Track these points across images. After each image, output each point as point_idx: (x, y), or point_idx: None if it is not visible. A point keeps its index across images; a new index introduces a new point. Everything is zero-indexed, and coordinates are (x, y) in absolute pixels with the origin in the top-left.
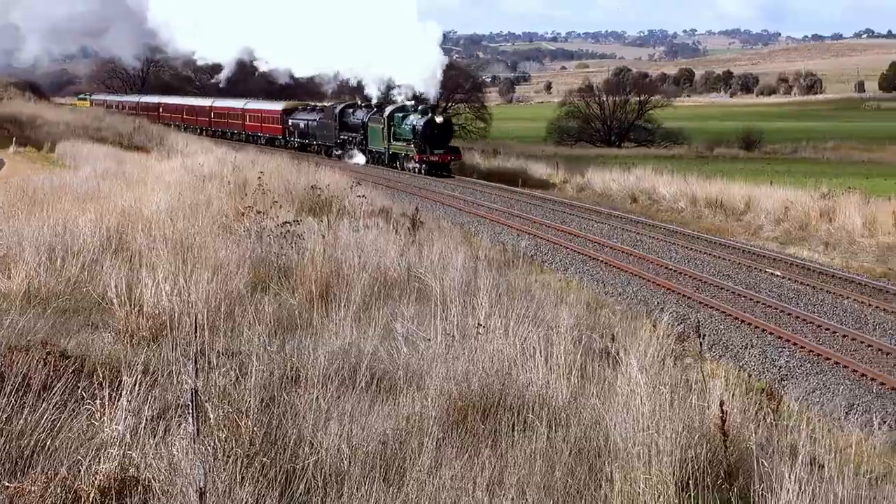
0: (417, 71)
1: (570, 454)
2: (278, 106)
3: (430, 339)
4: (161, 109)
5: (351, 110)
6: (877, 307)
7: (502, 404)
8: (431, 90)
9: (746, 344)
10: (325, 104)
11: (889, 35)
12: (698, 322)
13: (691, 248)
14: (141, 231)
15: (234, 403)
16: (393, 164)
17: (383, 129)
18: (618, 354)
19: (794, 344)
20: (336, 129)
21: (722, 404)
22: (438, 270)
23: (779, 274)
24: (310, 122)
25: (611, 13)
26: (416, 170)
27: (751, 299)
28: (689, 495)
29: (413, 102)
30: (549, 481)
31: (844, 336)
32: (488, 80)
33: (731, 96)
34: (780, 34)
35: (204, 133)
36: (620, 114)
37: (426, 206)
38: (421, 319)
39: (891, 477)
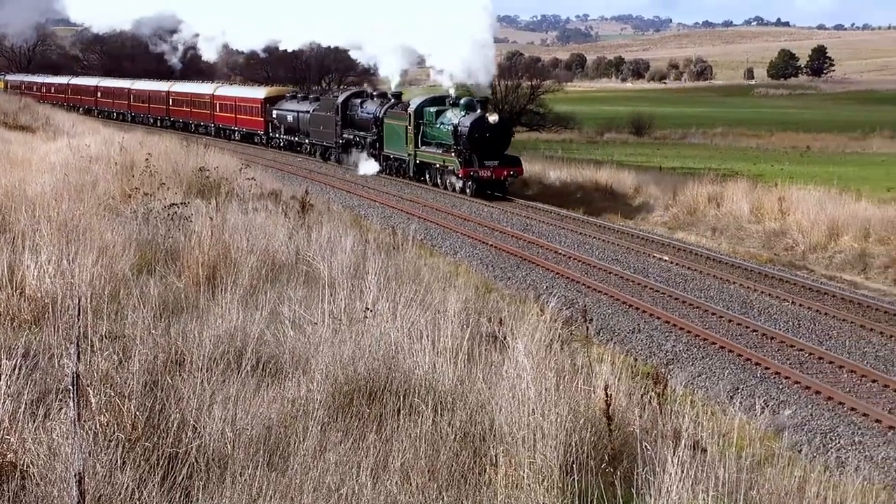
0: (463, 51)
1: (455, 438)
2: (259, 93)
3: (316, 323)
4: (99, 94)
5: (359, 101)
6: (762, 292)
7: (388, 388)
8: (482, 78)
9: (634, 328)
10: (321, 92)
11: (778, 23)
12: (585, 306)
13: (581, 233)
14: (24, 212)
15: (116, 387)
16: (420, 177)
17: (408, 128)
18: (505, 339)
19: (681, 329)
20: (337, 124)
21: (606, 388)
22: (327, 254)
23: (667, 259)
24: (301, 115)
25: None
26: (460, 188)
27: (639, 284)
28: (573, 479)
29: (452, 94)
30: (434, 465)
31: (730, 321)
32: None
33: (622, 82)
34: (671, 21)
35: (160, 124)
36: (512, 98)
37: (316, 188)
38: (308, 303)
39: (772, 460)
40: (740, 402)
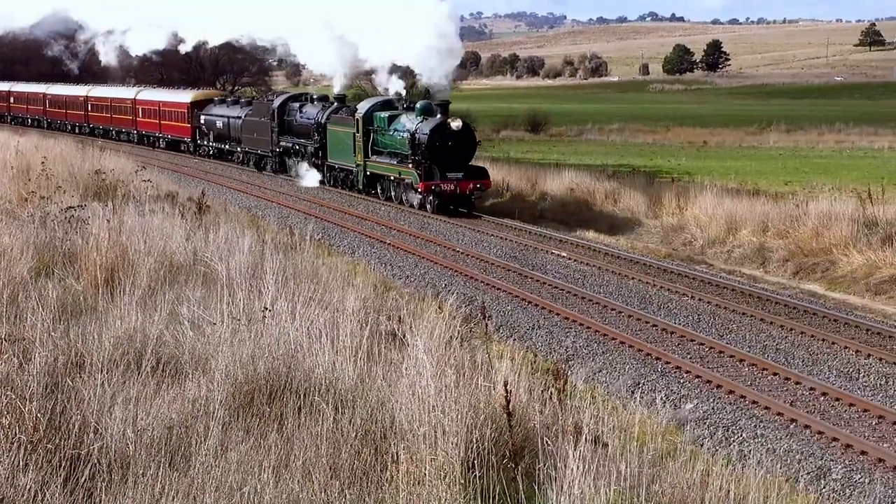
0: (419, 42)
1: (356, 436)
2: (185, 96)
3: (216, 323)
4: (11, 99)
5: (297, 105)
6: (661, 287)
7: (289, 387)
8: (440, 77)
9: (534, 325)
10: (253, 95)
11: (672, 18)
12: (484, 304)
13: (479, 231)
14: None
15: (17, 390)
16: (371, 189)
17: (356, 135)
18: (404, 336)
19: (581, 324)
20: (273, 131)
21: (506, 385)
22: (225, 254)
23: (565, 255)
24: (232, 121)
25: None
26: (418, 204)
27: (538, 280)
28: (475, 475)
29: (401, 96)
30: (336, 463)
31: (630, 316)
32: (275, 63)
33: (517, 79)
34: (565, 17)
35: (78, 131)
36: (407, 96)
37: (213, 190)
38: (207, 303)
39: (674, 454)
40: (641, 397)
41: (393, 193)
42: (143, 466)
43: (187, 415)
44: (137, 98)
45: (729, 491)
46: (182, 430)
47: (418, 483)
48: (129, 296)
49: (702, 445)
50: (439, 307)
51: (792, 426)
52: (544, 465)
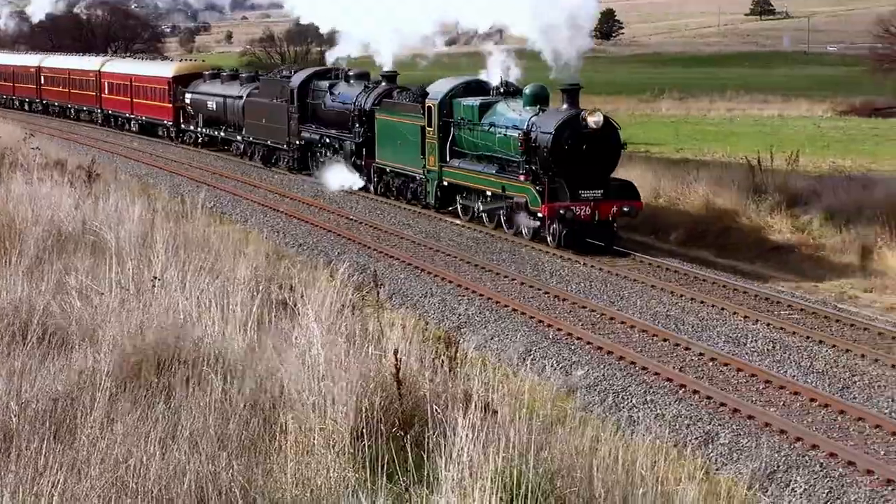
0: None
1: (245, 406)
2: (165, 69)
3: (104, 294)
4: None
5: (325, 84)
6: (553, 255)
7: (177, 357)
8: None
9: (426, 293)
10: (257, 70)
11: None
12: (375, 271)
13: (373, 199)
14: None
15: None
16: (446, 206)
17: (426, 129)
18: (296, 305)
19: (474, 292)
20: (292, 117)
21: (396, 353)
22: (114, 223)
23: (459, 222)
24: (229, 101)
25: None
26: (531, 232)
27: (431, 248)
28: (364, 444)
29: (500, 79)
30: (224, 433)
31: (522, 283)
32: (168, 29)
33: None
34: None
35: (29, 108)
36: (302, 64)
37: (103, 157)
38: (96, 273)
39: (564, 421)
40: (532, 364)
41: (485, 215)
42: (27, 440)
43: (73, 386)
44: (103, 70)
45: (618, 456)
46: (68, 403)
47: (307, 453)
48: (14, 266)
49: (592, 412)
50: (331, 275)
51: (681, 392)
52: (434, 433)
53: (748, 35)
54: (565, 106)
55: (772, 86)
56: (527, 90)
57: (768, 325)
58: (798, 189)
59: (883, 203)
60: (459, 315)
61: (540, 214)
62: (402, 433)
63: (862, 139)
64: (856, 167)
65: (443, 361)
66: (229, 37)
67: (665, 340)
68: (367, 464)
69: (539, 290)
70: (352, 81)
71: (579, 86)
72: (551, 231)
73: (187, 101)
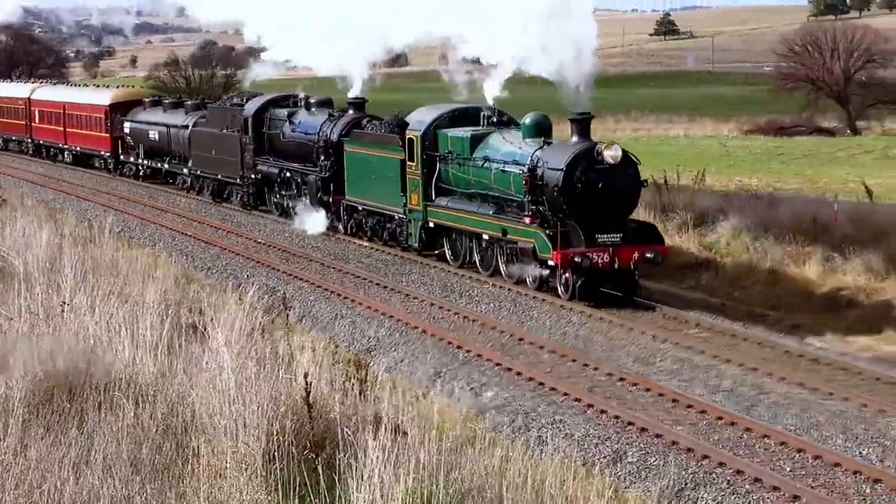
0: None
1: (157, 430)
2: (102, 96)
3: (13, 319)
4: None
5: (284, 112)
6: (462, 276)
7: (89, 383)
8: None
9: (336, 315)
10: (202, 97)
11: None
12: (285, 294)
13: (279, 223)
14: None
15: None
16: (431, 249)
17: (406, 164)
18: (206, 329)
19: (384, 314)
20: (246, 149)
21: (306, 376)
22: (22, 248)
23: (367, 245)
24: (173, 131)
25: None
26: (537, 281)
27: (340, 270)
28: (276, 467)
29: (489, 105)
30: (137, 458)
31: (432, 304)
32: (72, 54)
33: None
34: None
35: None
36: (207, 87)
37: (8, 182)
38: (4, 298)
39: (473, 441)
40: (442, 386)
41: (478, 258)
42: None
43: None
44: (33, 97)
45: (527, 476)
46: None
47: (219, 476)
48: None
49: (501, 432)
50: (240, 298)
51: (589, 411)
52: (345, 456)
53: (652, 55)
54: (575, 138)
55: (677, 106)
56: (527, 120)
57: (676, 344)
58: (705, 207)
59: (788, 222)
60: (369, 337)
61: (551, 262)
62: (314, 455)
63: (767, 158)
64: (762, 186)
65: (353, 384)
66: (134, 61)
67: (574, 361)
68: (280, 487)
69: (449, 310)
70: (313, 109)
71: (591, 115)
72: (563, 281)
73: (126, 130)
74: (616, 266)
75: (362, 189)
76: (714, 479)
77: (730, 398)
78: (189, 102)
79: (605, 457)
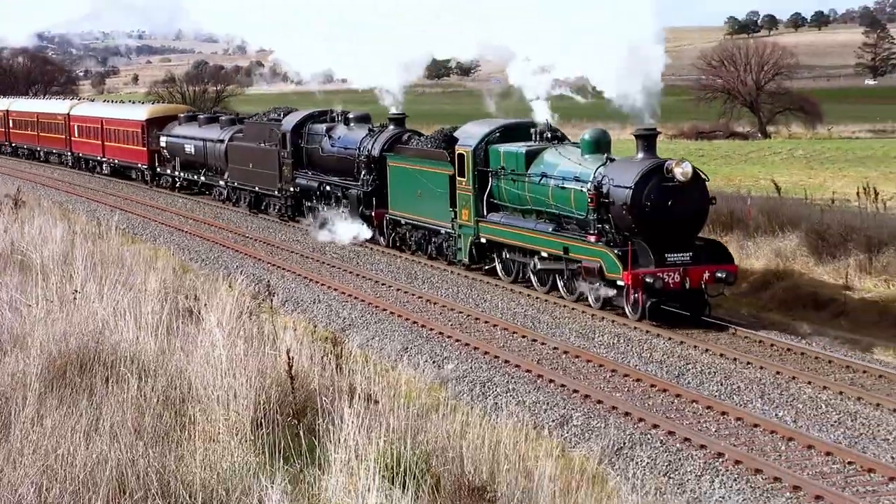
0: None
1: (158, 401)
2: (139, 112)
3: (31, 305)
4: None
5: (322, 127)
6: (424, 265)
7: (98, 360)
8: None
9: (315, 299)
10: (236, 112)
11: None
12: (269, 282)
13: (267, 219)
14: None
15: None
16: (479, 263)
17: (455, 180)
18: (200, 313)
19: (356, 298)
20: (284, 163)
21: (288, 352)
22: (39, 244)
23: (410, 257)
24: (210, 145)
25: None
26: (600, 300)
27: (318, 261)
28: (263, 432)
29: (547, 120)
30: (140, 425)
31: (398, 290)
32: (81, 74)
33: (297, 84)
34: None
35: None
36: (200, 102)
37: (28, 186)
38: (24, 288)
39: (437, 408)
40: (409, 360)
41: (533, 277)
42: None
43: (7, 387)
44: (72, 114)
45: (485, 438)
46: (2, 402)
47: (213, 440)
48: None
49: (461, 400)
50: (230, 286)
51: (539, 381)
52: (324, 421)
53: None
54: (640, 154)
55: (611, 114)
56: (586, 136)
57: (612, 321)
58: None
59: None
60: (344, 318)
61: (620, 282)
62: (296, 422)
63: (690, 159)
64: None
65: (330, 359)
66: (136, 79)
67: (524, 337)
68: (266, 449)
69: (413, 295)
70: (352, 125)
71: (657, 131)
72: (631, 301)
73: (163, 143)
74: (687, 286)
75: (407, 203)
76: (649, 439)
77: (661, 368)
78: (224, 118)
79: (553, 420)
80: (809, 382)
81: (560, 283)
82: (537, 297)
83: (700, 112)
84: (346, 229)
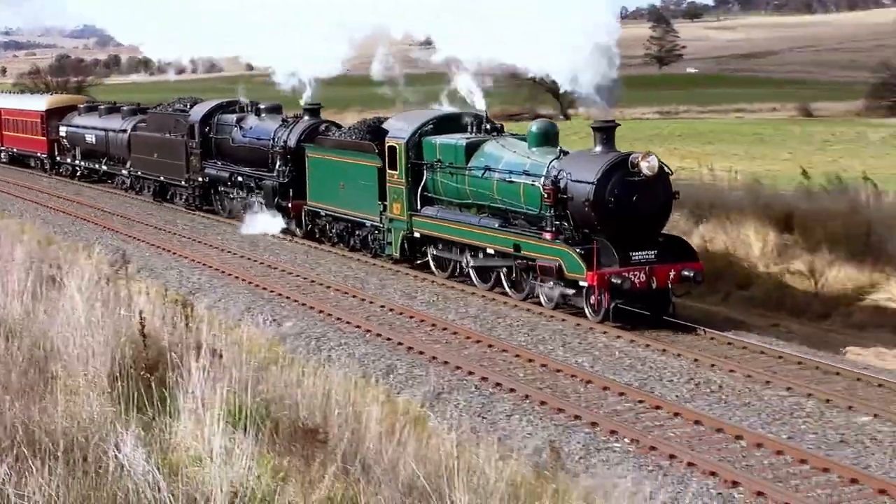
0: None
1: (23, 360)
2: (38, 103)
3: None
4: None
5: (232, 118)
6: (273, 235)
7: None
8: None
9: (167, 266)
10: (138, 104)
11: None
12: (125, 252)
13: (122, 196)
14: None
15: None
16: (412, 257)
17: (385, 173)
18: (62, 280)
19: (205, 264)
20: (192, 153)
21: (141, 313)
22: None
23: (183, 209)
24: (111, 135)
25: (53, 13)
26: (554, 300)
27: (170, 232)
28: (119, 385)
29: (481, 110)
30: (8, 381)
31: (242, 256)
32: None
33: (150, 75)
34: None
35: None
36: (62, 92)
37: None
38: None
39: (276, 361)
40: (251, 319)
41: (473, 272)
42: None
43: None
44: None
45: (319, 386)
46: None
47: (74, 394)
48: None
49: (298, 353)
50: (89, 255)
51: (367, 336)
52: (174, 374)
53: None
54: (599, 148)
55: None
56: (533, 128)
57: (433, 282)
58: None
59: None
60: (193, 283)
61: (583, 283)
62: (149, 375)
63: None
64: None
65: (180, 319)
66: (3, 71)
67: (354, 297)
68: (122, 400)
69: (255, 261)
70: (263, 115)
71: (616, 123)
72: (591, 302)
73: (62, 133)
74: (654, 286)
75: (327, 195)
76: (465, 385)
77: (475, 322)
78: (126, 108)
79: (380, 370)
80: (604, 332)
81: (505, 282)
82: (366, 262)
83: (510, 96)
84: (262, 220)
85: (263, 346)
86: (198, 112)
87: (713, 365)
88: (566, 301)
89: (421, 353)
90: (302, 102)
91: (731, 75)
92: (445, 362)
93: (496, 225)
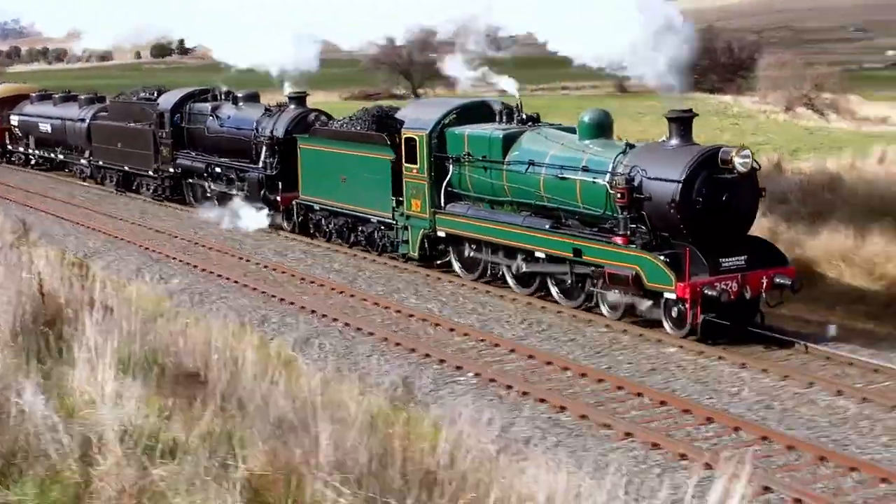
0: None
1: None
2: None
3: None
4: None
5: (207, 107)
6: (153, 202)
7: None
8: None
9: (66, 234)
10: (95, 92)
11: None
12: (25, 220)
13: (26, 172)
14: None
15: None
16: (432, 259)
17: (401, 165)
18: None
19: (100, 231)
20: (163, 143)
21: (40, 274)
22: None
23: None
24: (69, 124)
25: None
26: (622, 309)
27: (71, 203)
28: (20, 339)
29: (512, 106)
30: None
31: (133, 223)
32: None
33: (49, 64)
34: None
35: None
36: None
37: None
38: None
39: (163, 314)
40: (142, 277)
41: (511, 279)
42: None
43: None
44: None
45: (200, 336)
46: None
47: None
48: None
49: (184, 307)
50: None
51: (244, 290)
52: (70, 328)
53: None
54: (675, 141)
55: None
56: (585, 118)
57: (301, 241)
58: None
59: None
60: (89, 248)
61: (669, 295)
62: (48, 329)
63: None
64: None
65: (77, 279)
66: None
67: (233, 256)
68: (24, 353)
69: (146, 227)
70: (241, 104)
71: (693, 113)
72: (673, 314)
73: (14, 122)
74: (747, 296)
75: (325, 189)
76: (330, 331)
77: (339, 275)
78: (83, 97)
79: (255, 320)
80: (451, 281)
81: (554, 288)
82: (365, 258)
83: (369, 78)
84: (246, 213)
85: (152, 301)
86: (168, 100)
87: (543, 307)
88: (636, 312)
89: (291, 303)
90: (285, 91)
91: (553, 58)
92: (313, 311)
93: (547, 226)
